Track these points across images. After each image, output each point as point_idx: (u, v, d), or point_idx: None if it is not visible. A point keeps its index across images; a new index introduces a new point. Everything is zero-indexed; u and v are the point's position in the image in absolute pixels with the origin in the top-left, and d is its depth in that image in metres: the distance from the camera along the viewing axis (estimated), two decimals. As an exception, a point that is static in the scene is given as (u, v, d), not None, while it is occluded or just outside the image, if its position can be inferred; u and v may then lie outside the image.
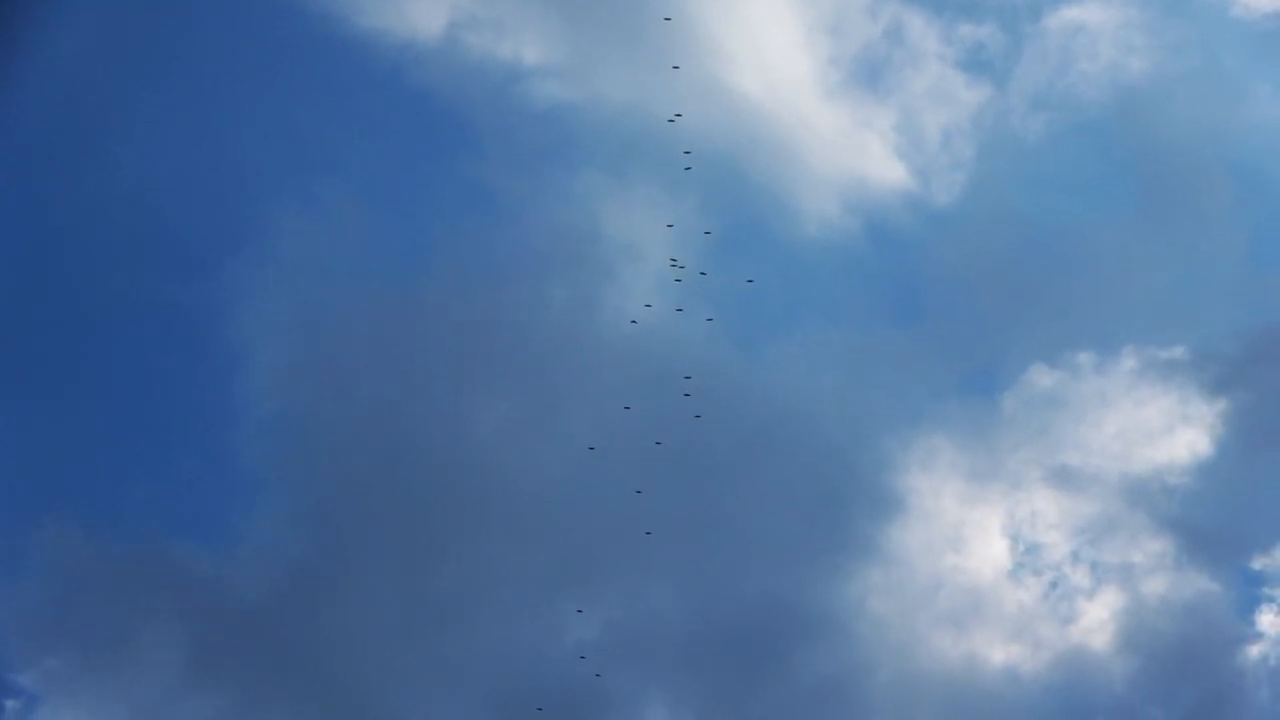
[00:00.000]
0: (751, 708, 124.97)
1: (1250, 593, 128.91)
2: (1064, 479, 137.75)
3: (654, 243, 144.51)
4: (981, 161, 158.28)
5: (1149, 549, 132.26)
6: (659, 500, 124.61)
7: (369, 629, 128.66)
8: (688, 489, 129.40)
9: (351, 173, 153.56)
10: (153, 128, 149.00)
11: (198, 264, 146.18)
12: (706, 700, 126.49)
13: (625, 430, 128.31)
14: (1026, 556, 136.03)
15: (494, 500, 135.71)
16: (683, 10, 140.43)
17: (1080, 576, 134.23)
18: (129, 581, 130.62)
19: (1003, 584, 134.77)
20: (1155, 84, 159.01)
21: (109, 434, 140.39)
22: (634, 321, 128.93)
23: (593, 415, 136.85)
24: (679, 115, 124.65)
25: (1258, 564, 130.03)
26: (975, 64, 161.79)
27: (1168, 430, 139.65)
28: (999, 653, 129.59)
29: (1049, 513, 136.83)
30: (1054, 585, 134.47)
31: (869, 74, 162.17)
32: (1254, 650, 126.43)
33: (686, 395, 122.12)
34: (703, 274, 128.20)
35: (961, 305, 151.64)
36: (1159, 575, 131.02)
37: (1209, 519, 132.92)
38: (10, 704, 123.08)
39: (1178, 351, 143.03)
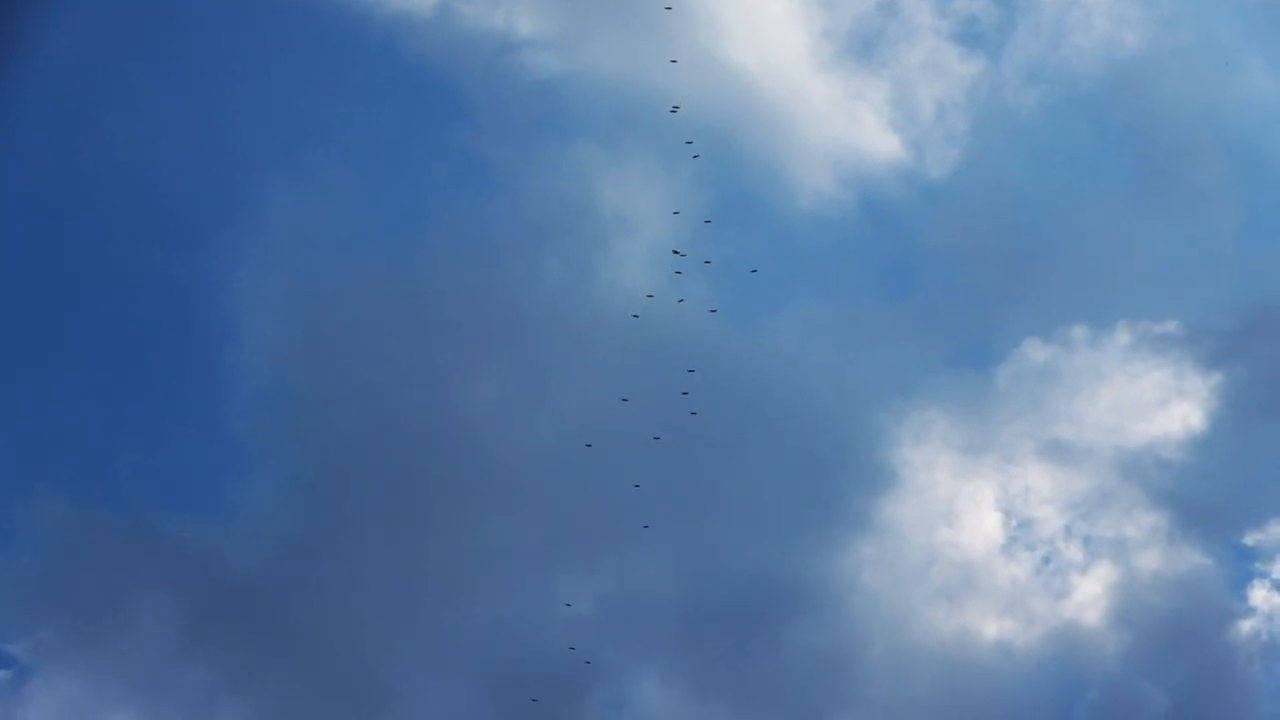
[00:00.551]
0: (744, 681, 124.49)
1: (1243, 568, 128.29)
2: (1057, 453, 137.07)
3: (648, 215, 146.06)
4: (975, 135, 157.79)
5: (1142, 523, 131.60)
6: (652, 475, 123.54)
7: (361, 601, 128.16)
8: (681, 463, 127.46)
9: (344, 145, 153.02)
10: (145, 99, 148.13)
11: (190, 236, 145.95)
12: (699, 673, 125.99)
13: (619, 405, 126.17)
14: (1019, 531, 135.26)
15: (486, 473, 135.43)
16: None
17: (1073, 551, 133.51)
18: (121, 553, 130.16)
19: (995, 558, 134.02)
20: (1149, 58, 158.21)
21: (100, 405, 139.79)
22: (636, 316, 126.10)
23: (586, 389, 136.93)
24: (677, 108, 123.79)
25: (1250, 539, 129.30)
26: (969, 37, 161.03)
27: (1161, 404, 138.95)
28: (991, 627, 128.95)
29: (1042, 487, 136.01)
30: (1047, 560, 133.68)
31: (863, 47, 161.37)
32: (1246, 625, 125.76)
33: (685, 394, 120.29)
34: (707, 263, 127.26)
35: (955, 279, 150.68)
36: (1152, 550, 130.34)
37: (1202, 493, 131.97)
38: (2, 675, 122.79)
39: (1171, 326, 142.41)
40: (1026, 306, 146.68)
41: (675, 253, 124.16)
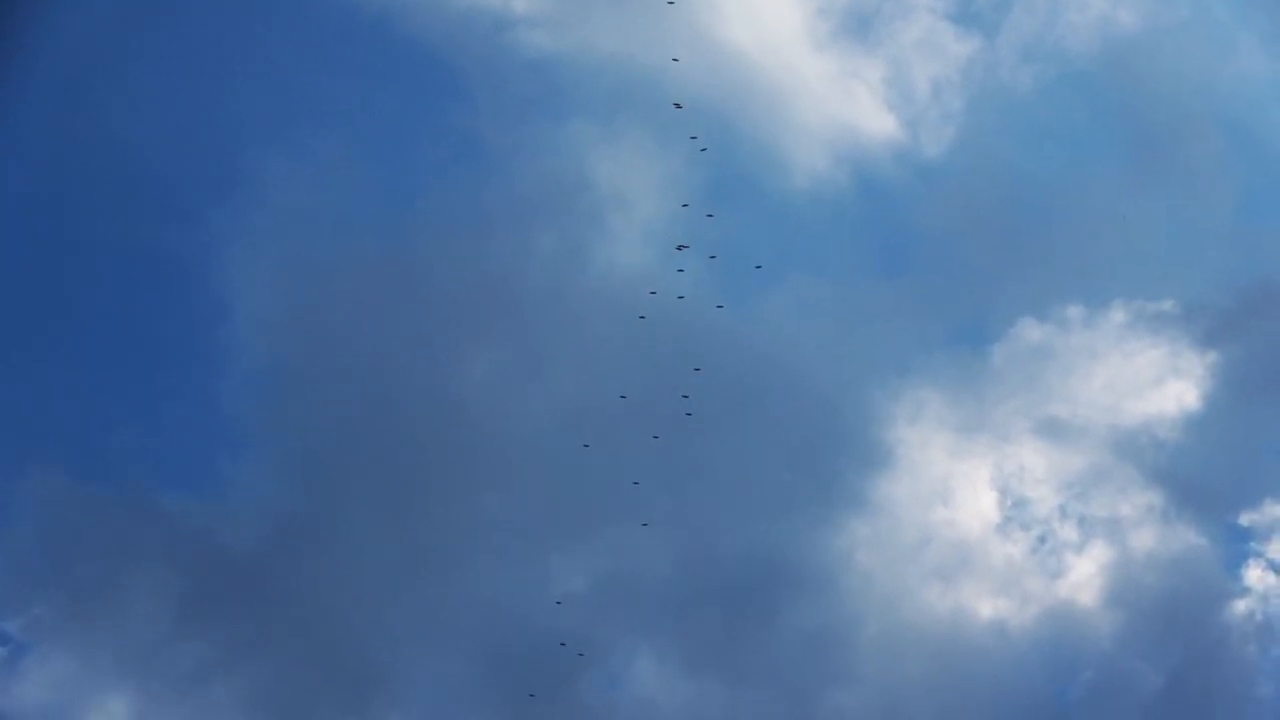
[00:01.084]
0: (738, 659, 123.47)
1: (1238, 548, 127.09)
2: (1053, 431, 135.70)
3: (644, 193, 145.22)
4: (971, 114, 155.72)
5: (1137, 502, 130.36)
6: (646, 455, 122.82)
7: (356, 579, 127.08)
8: (675, 443, 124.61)
9: (339, 122, 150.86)
10: (141, 76, 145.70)
11: (185, 213, 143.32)
12: (693, 651, 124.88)
13: (613, 383, 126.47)
14: (1014, 510, 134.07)
15: (481, 451, 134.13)
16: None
17: (1068, 531, 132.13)
18: (115, 529, 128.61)
19: (990, 538, 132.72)
20: (1145, 36, 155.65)
21: (95, 381, 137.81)
22: (642, 317, 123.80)
23: (581, 367, 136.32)
24: (680, 105, 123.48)
25: (1245, 520, 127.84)
26: (965, 16, 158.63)
27: (1157, 383, 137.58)
28: (986, 606, 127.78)
29: (1037, 466, 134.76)
30: (1042, 540, 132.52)
31: (858, 25, 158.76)
32: (1240, 606, 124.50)
33: (686, 396, 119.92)
34: (712, 257, 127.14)
35: (950, 258, 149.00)
36: (1146, 529, 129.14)
37: (1198, 473, 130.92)
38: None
39: (1167, 305, 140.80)
40: (1022, 285, 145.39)
41: (679, 248, 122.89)
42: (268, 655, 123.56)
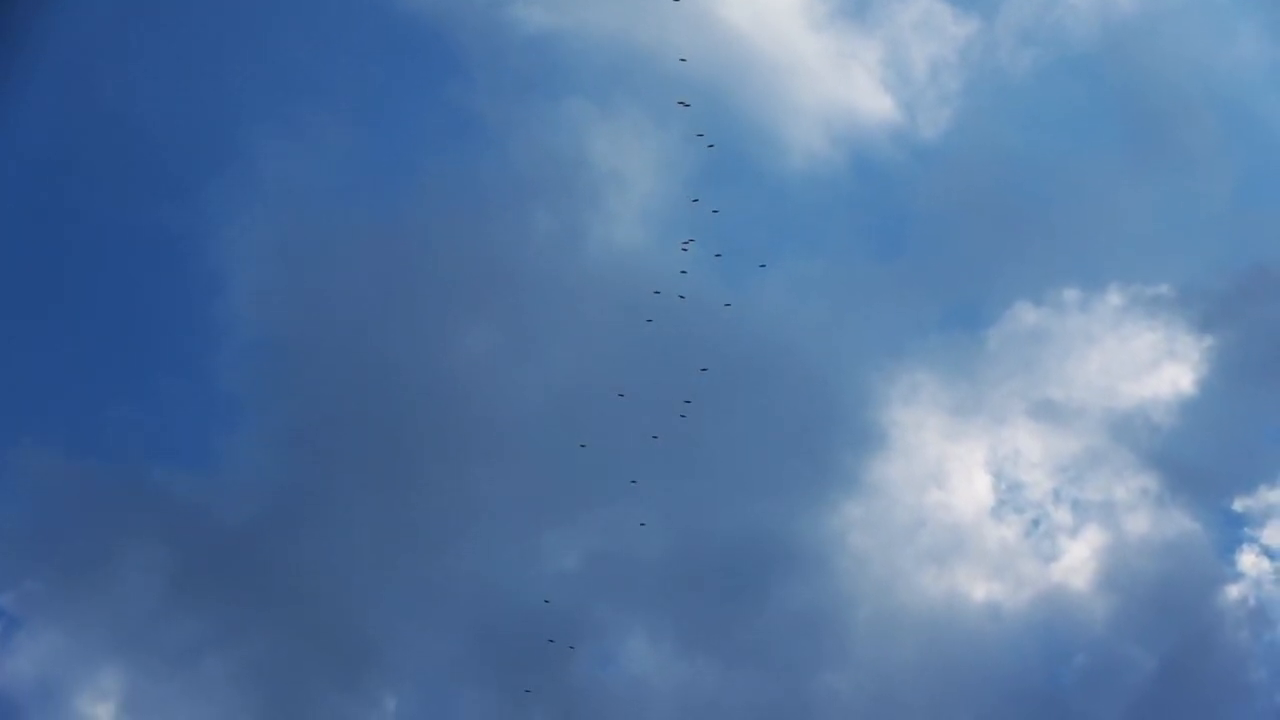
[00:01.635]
0: (731, 639, 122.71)
1: (1231, 533, 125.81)
2: (1048, 414, 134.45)
3: (641, 171, 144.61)
4: (968, 96, 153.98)
5: (1131, 485, 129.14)
6: (639, 432, 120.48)
7: (349, 554, 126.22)
8: (669, 421, 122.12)
9: (336, 98, 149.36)
10: (136, 51, 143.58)
11: (180, 188, 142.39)
12: (686, 631, 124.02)
13: (608, 362, 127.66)
14: (1009, 494, 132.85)
15: (476, 427, 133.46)
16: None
17: (1062, 514, 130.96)
18: (109, 504, 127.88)
19: (984, 521, 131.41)
20: (1143, 20, 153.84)
21: (89, 356, 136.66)
22: (650, 320, 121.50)
23: (576, 345, 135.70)
24: (687, 103, 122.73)
25: (1239, 505, 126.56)
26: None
27: (1152, 367, 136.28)
28: (980, 589, 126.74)
29: (1032, 449, 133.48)
30: (1036, 523, 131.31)
31: (856, 6, 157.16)
32: (1234, 590, 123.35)
33: (688, 401, 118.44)
34: (717, 255, 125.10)
35: (946, 240, 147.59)
36: (1141, 513, 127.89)
37: (1192, 457, 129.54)
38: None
39: (1163, 288, 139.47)
40: (1018, 268, 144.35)
41: (684, 246, 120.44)
42: (260, 631, 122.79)
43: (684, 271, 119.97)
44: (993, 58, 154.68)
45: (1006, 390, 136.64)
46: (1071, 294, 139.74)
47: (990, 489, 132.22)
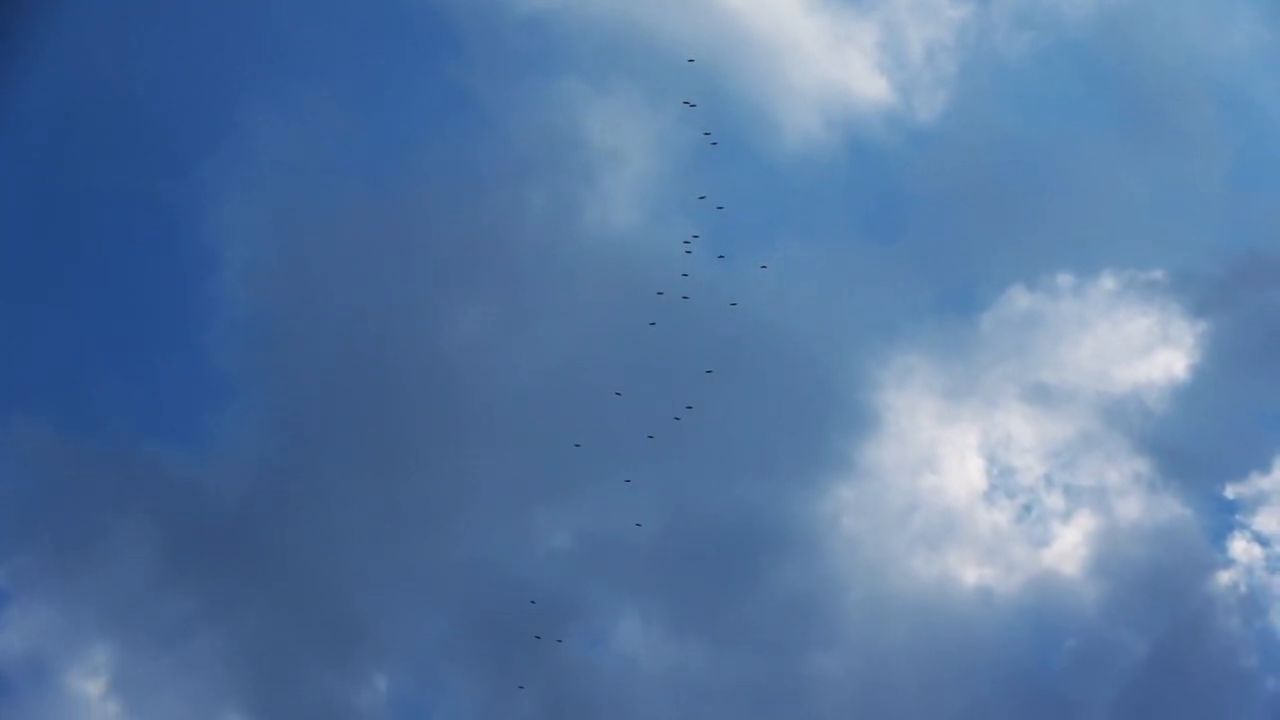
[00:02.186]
0: (722, 621, 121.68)
1: (1223, 519, 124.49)
2: (1041, 398, 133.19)
3: (636, 150, 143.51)
4: (964, 79, 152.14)
5: (1124, 470, 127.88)
6: (633, 412, 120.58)
7: (341, 532, 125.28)
8: (663, 401, 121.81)
9: (331, 74, 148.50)
10: (131, 25, 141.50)
11: (174, 163, 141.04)
12: (677, 612, 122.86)
13: (601, 342, 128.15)
14: (1001, 478, 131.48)
15: (469, 407, 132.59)
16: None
17: (1054, 500, 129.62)
18: (100, 480, 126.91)
19: (976, 505, 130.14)
20: (1139, 4, 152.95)
21: (81, 332, 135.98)
22: (653, 323, 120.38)
23: (569, 324, 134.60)
24: (692, 104, 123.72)
25: (1231, 492, 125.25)
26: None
27: (1146, 351, 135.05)
28: (971, 574, 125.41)
29: (1024, 434, 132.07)
30: (1028, 508, 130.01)
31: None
32: (1225, 577, 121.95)
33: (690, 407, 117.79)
34: (720, 257, 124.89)
35: (941, 223, 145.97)
36: (1132, 498, 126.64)
37: (1185, 442, 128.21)
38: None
39: (1158, 274, 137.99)
40: (1012, 252, 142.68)
41: (687, 243, 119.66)
42: (251, 609, 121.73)
43: (685, 274, 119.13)
44: (988, 41, 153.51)
45: (1000, 374, 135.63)
46: (1065, 278, 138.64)
47: (982, 473, 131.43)
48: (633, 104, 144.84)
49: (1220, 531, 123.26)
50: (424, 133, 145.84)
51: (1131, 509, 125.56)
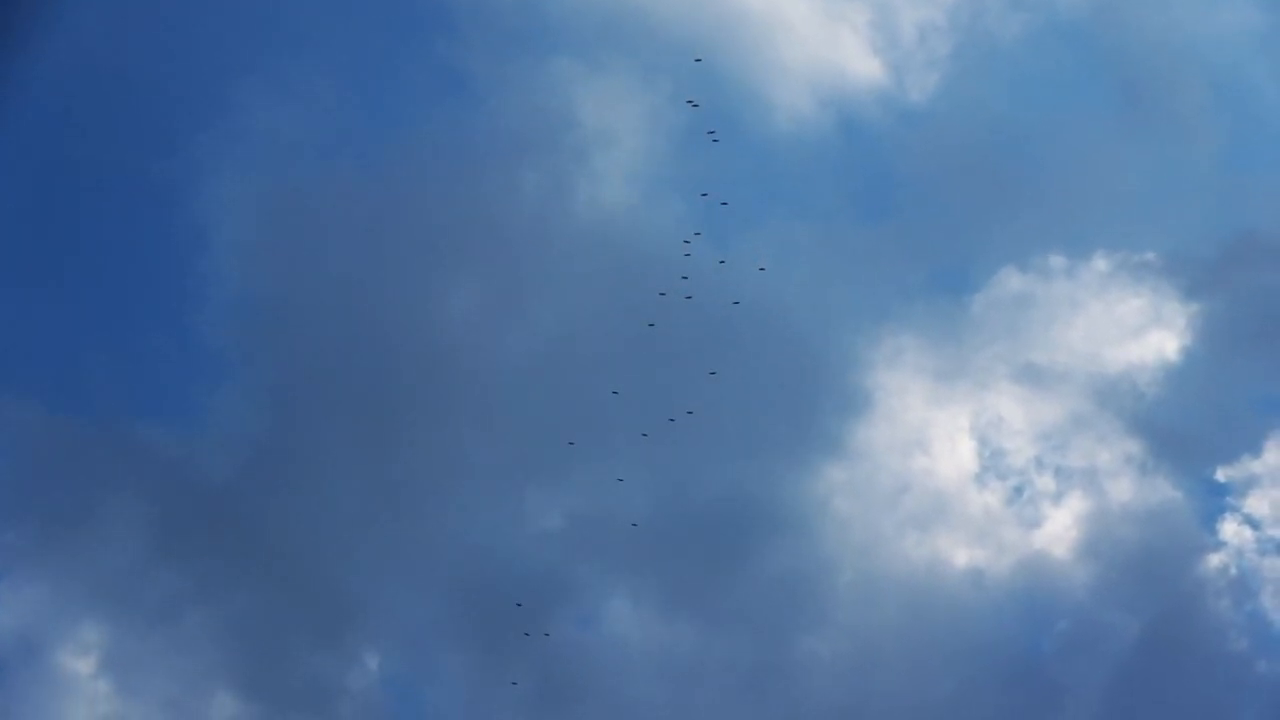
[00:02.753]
0: (712, 601, 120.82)
1: (1214, 502, 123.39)
2: (1032, 379, 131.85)
3: (629, 130, 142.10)
4: (957, 60, 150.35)
5: (1115, 451, 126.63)
6: (625, 391, 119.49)
7: (331, 511, 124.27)
8: (654, 381, 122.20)
9: (324, 52, 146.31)
10: (126, 1, 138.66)
11: (166, 140, 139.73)
12: (667, 592, 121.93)
13: (594, 322, 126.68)
14: (992, 460, 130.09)
15: (460, 385, 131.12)
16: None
17: (1045, 482, 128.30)
18: (91, 459, 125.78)
19: (968, 487, 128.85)
20: None
21: (73, 310, 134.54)
22: (651, 325, 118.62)
23: (562, 303, 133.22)
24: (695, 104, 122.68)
25: (1222, 475, 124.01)
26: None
27: (1138, 333, 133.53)
28: (962, 555, 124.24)
29: (1015, 416, 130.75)
30: (1019, 490, 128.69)
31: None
32: (1215, 559, 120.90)
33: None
34: (721, 263, 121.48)
35: (932, 204, 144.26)
36: (1123, 480, 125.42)
37: (1177, 423, 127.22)
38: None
39: (1150, 255, 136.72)
40: (1004, 234, 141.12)
41: (688, 242, 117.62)
42: (242, 586, 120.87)
43: (685, 277, 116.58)
44: (981, 22, 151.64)
45: (991, 355, 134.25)
46: (1057, 260, 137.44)
47: (973, 455, 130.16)
48: (626, 84, 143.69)
49: (1211, 514, 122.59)
50: (417, 111, 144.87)
51: (1122, 491, 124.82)
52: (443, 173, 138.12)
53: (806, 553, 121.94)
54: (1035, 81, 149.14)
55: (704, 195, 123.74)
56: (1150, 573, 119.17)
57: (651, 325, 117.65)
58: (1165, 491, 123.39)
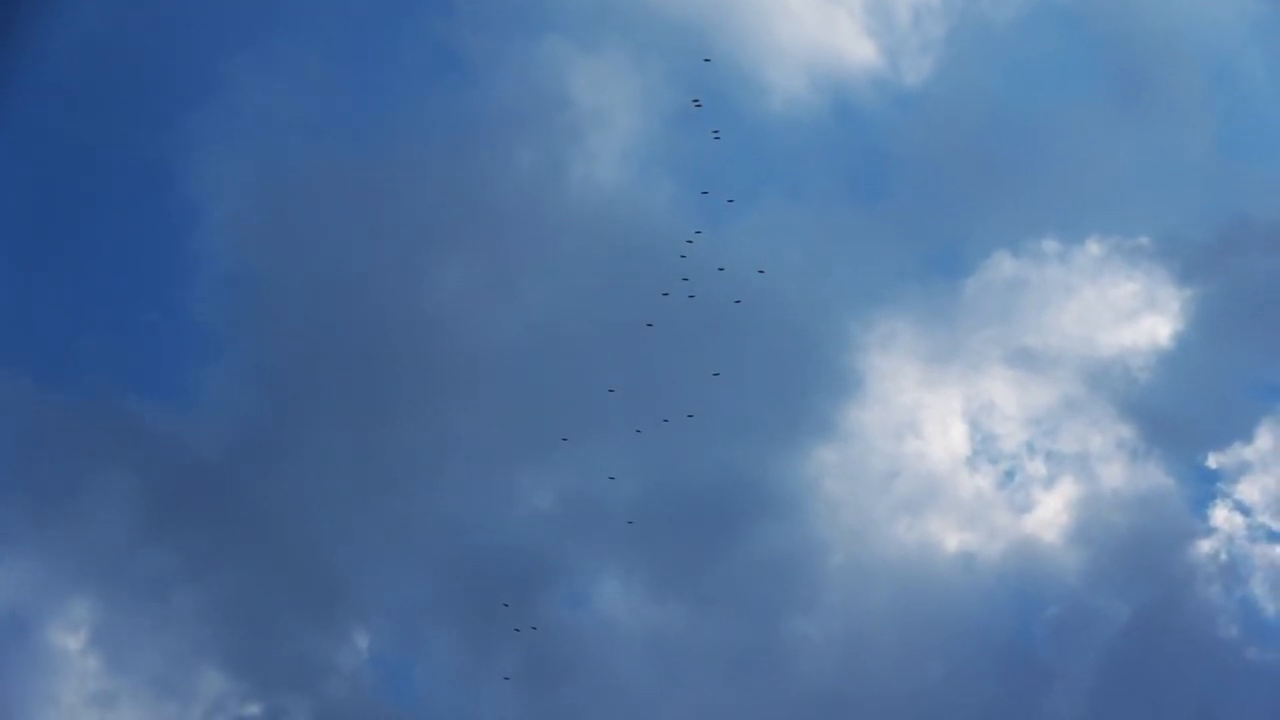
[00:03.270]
0: (703, 583, 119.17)
1: (1205, 488, 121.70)
2: (1025, 362, 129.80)
3: (623, 110, 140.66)
4: (951, 43, 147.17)
5: (1107, 436, 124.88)
6: (617, 375, 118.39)
7: (322, 489, 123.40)
8: (646, 362, 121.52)
9: (316, 29, 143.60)
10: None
11: (158, 117, 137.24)
12: (657, 574, 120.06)
13: (586, 303, 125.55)
14: (983, 444, 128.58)
15: (452, 364, 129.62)
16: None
17: (1036, 466, 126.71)
18: (81, 435, 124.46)
19: (959, 470, 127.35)
20: None
21: (63, 286, 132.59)
22: (650, 324, 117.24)
23: (554, 284, 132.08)
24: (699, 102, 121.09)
25: (1214, 461, 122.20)
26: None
27: (1132, 317, 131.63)
28: (953, 540, 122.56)
29: (1007, 400, 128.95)
30: (1010, 475, 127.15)
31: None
32: (1206, 546, 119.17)
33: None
34: (721, 270, 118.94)
35: (926, 188, 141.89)
36: (1115, 465, 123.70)
37: (1169, 409, 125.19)
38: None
39: (1143, 240, 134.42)
40: (997, 218, 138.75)
41: (690, 240, 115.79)
42: (232, 565, 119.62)
43: (686, 278, 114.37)
44: (976, 5, 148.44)
45: (984, 339, 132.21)
46: (1051, 244, 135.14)
47: (965, 438, 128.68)
48: (619, 63, 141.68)
49: (1202, 500, 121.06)
50: (410, 90, 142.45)
51: (1114, 476, 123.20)
52: (436, 151, 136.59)
53: (797, 535, 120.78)
54: (1030, 66, 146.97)
55: (705, 193, 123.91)
56: (1141, 558, 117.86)
57: (650, 326, 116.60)
58: (1157, 477, 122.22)
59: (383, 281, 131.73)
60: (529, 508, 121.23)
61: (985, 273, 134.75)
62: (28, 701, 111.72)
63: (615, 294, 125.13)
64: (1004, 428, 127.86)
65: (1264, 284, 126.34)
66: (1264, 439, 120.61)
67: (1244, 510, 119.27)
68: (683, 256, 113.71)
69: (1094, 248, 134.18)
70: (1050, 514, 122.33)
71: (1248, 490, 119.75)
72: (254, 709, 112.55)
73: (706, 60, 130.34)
